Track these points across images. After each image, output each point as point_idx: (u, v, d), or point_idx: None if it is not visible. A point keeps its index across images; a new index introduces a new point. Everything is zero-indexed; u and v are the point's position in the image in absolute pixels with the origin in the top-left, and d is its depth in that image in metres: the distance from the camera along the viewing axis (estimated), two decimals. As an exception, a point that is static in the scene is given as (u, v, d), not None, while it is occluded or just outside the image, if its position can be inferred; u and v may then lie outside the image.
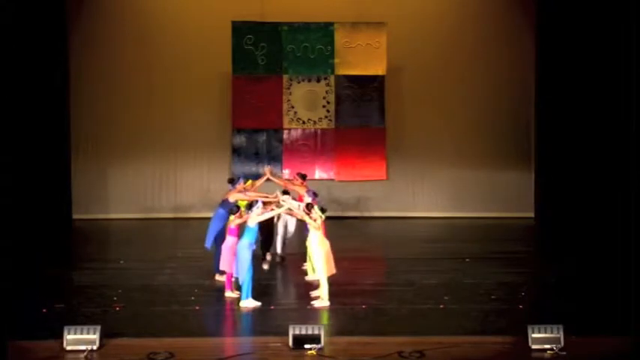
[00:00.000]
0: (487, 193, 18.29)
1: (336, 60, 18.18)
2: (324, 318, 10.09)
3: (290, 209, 11.45)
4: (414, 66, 18.21)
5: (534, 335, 8.76)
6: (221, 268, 11.10)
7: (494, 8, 18.20)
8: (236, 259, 10.61)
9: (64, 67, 17.27)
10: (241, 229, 10.79)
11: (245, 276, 10.45)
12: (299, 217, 11.49)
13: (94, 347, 8.66)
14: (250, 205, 11.03)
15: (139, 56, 17.88)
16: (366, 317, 10.09)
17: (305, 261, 12.23)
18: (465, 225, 17.55)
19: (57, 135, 16.88)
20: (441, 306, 10.56)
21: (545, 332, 8.76)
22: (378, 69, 18.12)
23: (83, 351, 8.61)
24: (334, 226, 17.25)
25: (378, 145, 18.24)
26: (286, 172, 17.45)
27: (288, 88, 18.21)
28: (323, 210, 11.07)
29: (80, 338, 8.67)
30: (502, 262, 13.29)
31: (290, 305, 10.79)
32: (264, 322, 9.82)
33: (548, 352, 8.67)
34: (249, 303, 10.49)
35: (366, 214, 18.03)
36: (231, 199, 11.85)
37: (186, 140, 18.13)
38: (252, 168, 18.06)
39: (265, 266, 12.64)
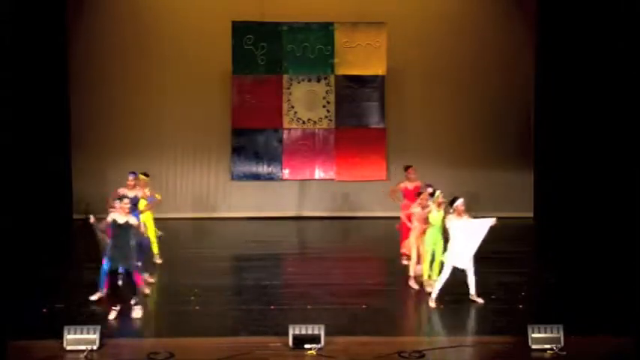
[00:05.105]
0: (486, 193, 18.23)
1: (336, 60, 18.16)
2: (324, 318, 10.08)
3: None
4: (414, 66, 18.16)
5: (534, 335, 8.77)
6: None
7: (494, 8, 18.16)
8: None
9: (63, 66, 17.26)
10: None
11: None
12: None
13: (94, 347, 8.68)
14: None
15: (139, 56, 17.86)
16: (366, 317, 10.09)
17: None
18: (465, 225, 17.48)
19: (57, 135, 16.88)
20: (441, 306, 10.56)
21: (545, 332, 8.76)
22: (378, 69, 18.11)
23: (83, 351, 8.62)
24: (334, 226, 17.34)
25: (378, 145, 18.22)
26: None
27: (288, 88, 18.19)
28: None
29: (80, 338, 8.69)
30: (502, 262, 13.26)
31: (290, 305, 10.78)
32: (264, 322, 9.82)
33: (548, 352, 8.68)
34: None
35: (366, 214, 18.01)
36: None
37: (186, 140, 18.10)
38: (252, 168, 18.08)
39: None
